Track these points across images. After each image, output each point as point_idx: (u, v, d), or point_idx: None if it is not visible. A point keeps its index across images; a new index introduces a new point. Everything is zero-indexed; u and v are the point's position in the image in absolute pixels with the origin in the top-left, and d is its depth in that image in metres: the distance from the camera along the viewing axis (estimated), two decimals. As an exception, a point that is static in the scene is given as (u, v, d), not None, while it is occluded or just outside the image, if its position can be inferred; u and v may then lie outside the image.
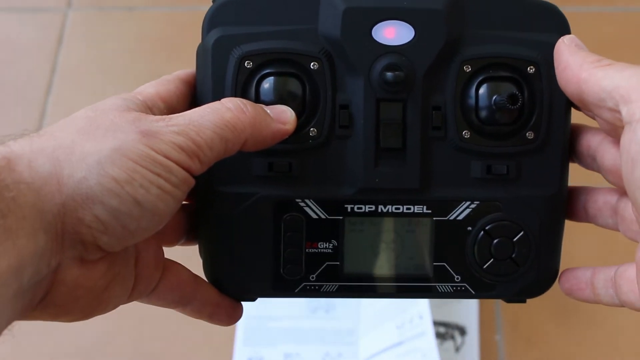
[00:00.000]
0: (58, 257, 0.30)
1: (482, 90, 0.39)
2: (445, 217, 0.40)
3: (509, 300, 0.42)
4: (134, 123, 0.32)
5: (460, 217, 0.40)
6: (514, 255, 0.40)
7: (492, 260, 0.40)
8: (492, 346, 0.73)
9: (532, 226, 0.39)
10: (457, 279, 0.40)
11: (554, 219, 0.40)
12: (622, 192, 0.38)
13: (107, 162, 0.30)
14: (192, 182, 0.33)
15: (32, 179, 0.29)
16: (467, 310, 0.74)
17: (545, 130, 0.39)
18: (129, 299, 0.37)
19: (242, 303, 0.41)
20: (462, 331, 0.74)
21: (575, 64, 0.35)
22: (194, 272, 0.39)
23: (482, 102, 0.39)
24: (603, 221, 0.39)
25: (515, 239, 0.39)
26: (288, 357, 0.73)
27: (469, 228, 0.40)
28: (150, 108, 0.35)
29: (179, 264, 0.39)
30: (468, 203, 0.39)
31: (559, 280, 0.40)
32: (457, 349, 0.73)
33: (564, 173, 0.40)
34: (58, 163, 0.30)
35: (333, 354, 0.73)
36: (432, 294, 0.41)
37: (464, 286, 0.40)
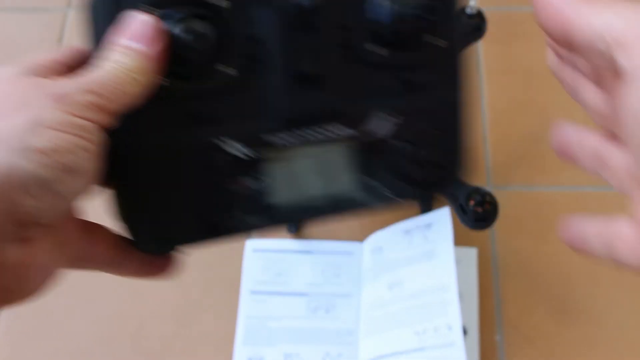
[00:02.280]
0: None
1: (383, 4, 0.39)
2: (364, 133, 0.40)
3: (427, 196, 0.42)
4: (41, 89, 0.32)
5: (378, 133, 0.41)
6: (433, 158, 0.42)
7: (409, 166, 0.42)
8: (492, 346, 0.73)
9: (446, 130, 0.42)
10: (383, 189, 0.42)
11: (454, 112, 0.42)
12: (610, 137, 0.35)
13: (29, 136, 0.30)
14: (106, 137, 0.33)
15: None
16: (467, 310, 0.73)
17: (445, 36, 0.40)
18: (70, 266, 0.36)
19: (178, 253, 0.41)
20: (463, 331, 0.74)
21: (560, 2, 0.31)
22: None
23: (384, 15, 0.39)
24: (585, 164, 0.37)
25: (427, 146, 0.41)
26: (288, 357, 0.73)
27: (387, 141, 0.41)
28: (46, 68, 0.35)
29: (103, 225, 0.39)
30: (384, 115, 0.40)
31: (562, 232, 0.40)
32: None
33: (462, 76, 0.41)
34: None
35: (333, 354, 0.73)
36: (360, 207, 0.42)
37: (389, 195, 0.42)
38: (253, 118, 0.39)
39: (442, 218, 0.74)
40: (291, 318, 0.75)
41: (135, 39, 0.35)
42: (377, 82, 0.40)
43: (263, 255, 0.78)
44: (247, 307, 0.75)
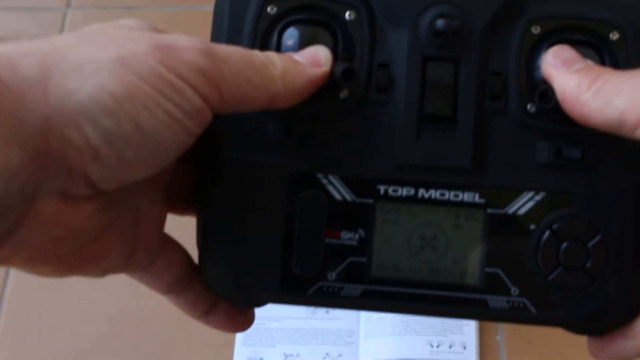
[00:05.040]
0: (35, 183, 0.25)
1: None
2: (503, 209, 0.32)
3: (581, 329, 0.33)
4: (148, 36, 0.27)
5: (521, 212, 0.32)
6: (588, 265, 0.32)
7: (559, 269, 0.32)
8: (493, 346, 0.73)
9: (613, 228, 0.31)
10: (515, 291, 0.32)
11: (633, 206, 0.32)
12: None
13: (105, 73, 0.25)
14: (208, 115, 0.27)
15: (13, 81, 0.24)
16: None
17: None
18: (125, 267, 0.32)
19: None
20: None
21: (572, 96, 0.29)
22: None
23: None
24: None
25: (590, 244, 0.32)
26: (288, 357, 0.73)
27: (532, 226, 0.32)
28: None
29: (178, 242, 0.34)
30: (532, 194, 0.32)
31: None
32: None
33: None
34: (47, 69, 0.25)
35: (333, 355, 0.73)
36: (481, 310, 0.32)
37: (523, 302, 0.32)
38: (365, 157, 0.32)
39: None
40: (291, 318, 0.75)
41: (306, 57, 0.31)
42: (523, 146, 0.32)
43: (263, 255, 0.78)
44: (247, 307, 0.75)
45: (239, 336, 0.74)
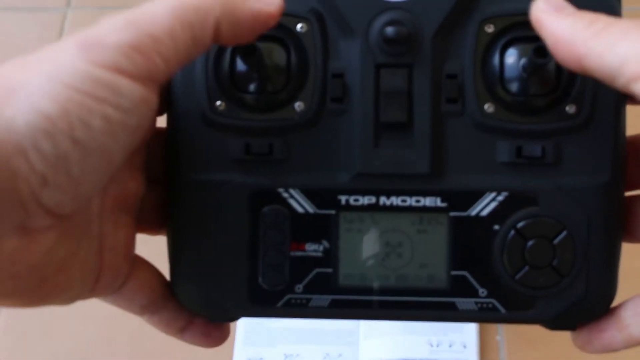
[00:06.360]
0: None
1: (508, 54, 0.32)
2: (465, 212, 0.32)
3: (553, 326, 0.33)
4: (75, 37, 0.25)
5: (484, 213, 0.32)
6: (554, 262, 0.32)
7: (526, 268, 0.32)
8: (493, 346, 0.73)
9: (578, 224, 0.31)
10: (482, 292, 0.32)
11: (605, 216, 0.32)
12: None
13: (37, 93, 0.23)
14: (153, 101, 0.26)
15: None
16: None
17: (589, 102, 0.31)
18: (92, 292, 0.31)
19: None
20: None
21: (566, 36, 0.27)
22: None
23: (509, 68, 0.32)
24: None
25: (555, 241, 0.32)
26: (288, 357, 0.73)
27: (496, 226, 0.32)
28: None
29: (150, 263, 0.34)
30: (494, 194, 0.32)
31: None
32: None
33: (616, 157, 0.31)
34: None
35: (333, 355, 0.73)
36: (449, 313, 0.32)
37: (491, 303, 0.32)
38: (324, 169, 0.32)
39: None
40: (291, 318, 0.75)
41: None
42: (483, 147, 0.32)
43: (263, 255, 0.78)
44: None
45: (239, 336, 0.74)
